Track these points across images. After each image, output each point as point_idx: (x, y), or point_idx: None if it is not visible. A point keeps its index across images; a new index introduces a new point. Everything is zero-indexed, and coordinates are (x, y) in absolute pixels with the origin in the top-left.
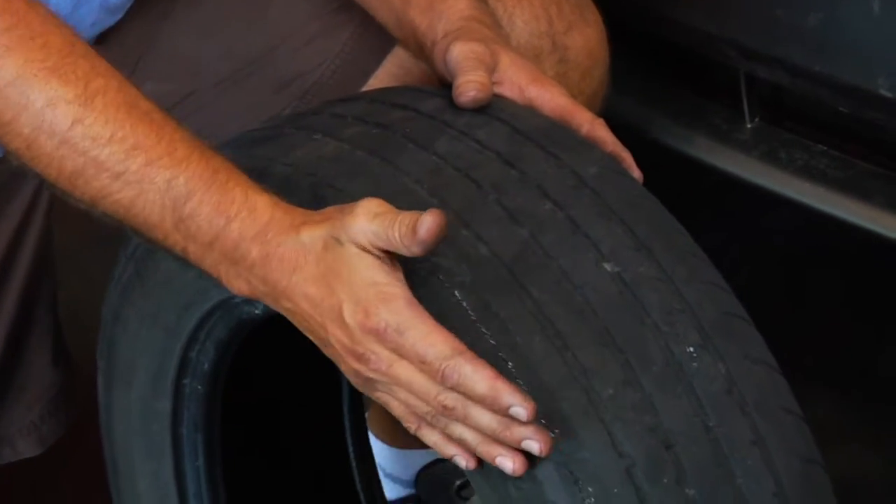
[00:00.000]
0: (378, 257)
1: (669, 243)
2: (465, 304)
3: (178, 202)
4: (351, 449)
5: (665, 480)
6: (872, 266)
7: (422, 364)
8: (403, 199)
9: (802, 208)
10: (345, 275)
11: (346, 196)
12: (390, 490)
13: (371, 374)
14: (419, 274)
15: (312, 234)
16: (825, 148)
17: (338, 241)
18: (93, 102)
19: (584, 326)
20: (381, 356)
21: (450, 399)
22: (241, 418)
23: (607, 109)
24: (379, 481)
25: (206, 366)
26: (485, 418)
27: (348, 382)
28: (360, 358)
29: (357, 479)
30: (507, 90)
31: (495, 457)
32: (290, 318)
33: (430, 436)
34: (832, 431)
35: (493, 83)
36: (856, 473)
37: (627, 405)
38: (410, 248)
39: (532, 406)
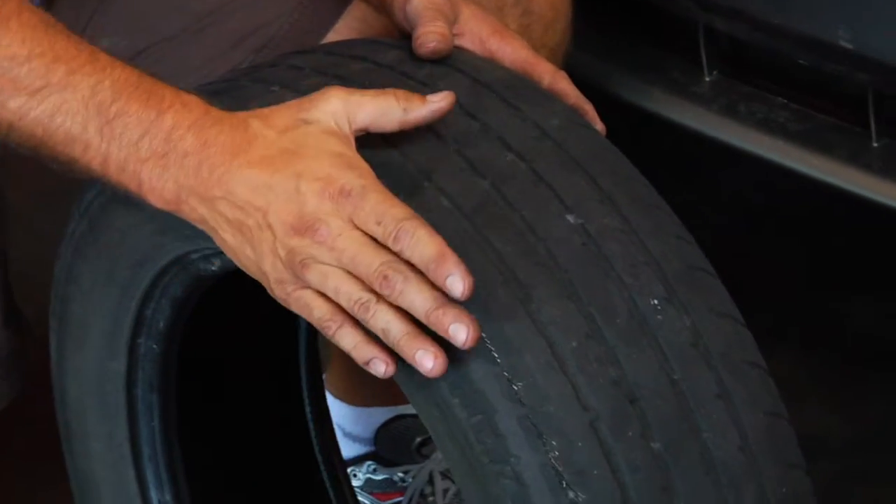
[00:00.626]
0: (346, 137)
1: (634, 196)
2: None
3: (103, 106)
4: (308, 410)
5: (630, 434)
6: (834, 220)
7: (376, 225)
8: (362, 152)
9: (762, 162)
10: (307, 151)
11: None
12: (349, 449)
13: (310, 251)
14: None
15: (263, 121)
16: (785, 101)
17: (305, 121)
18: (7, 24)
19: (548, 279)
20: (332, 225)
21: (392, 268)
22: (197, 379)
23: (564, 64)
24: (336, 442)
25: (161, 324)
26: (421, 294)
27: (307, 342)
28: (307, 230)
29: (314, 440)
30: (467, 42)
31: (416, 352)
32: (213, 220)
33: (349, 337)
34: (794, 390)
35: (454, 35)
36: (817, 432)
37: (591, 358)
38: (412, 113)
39: (470, 282)
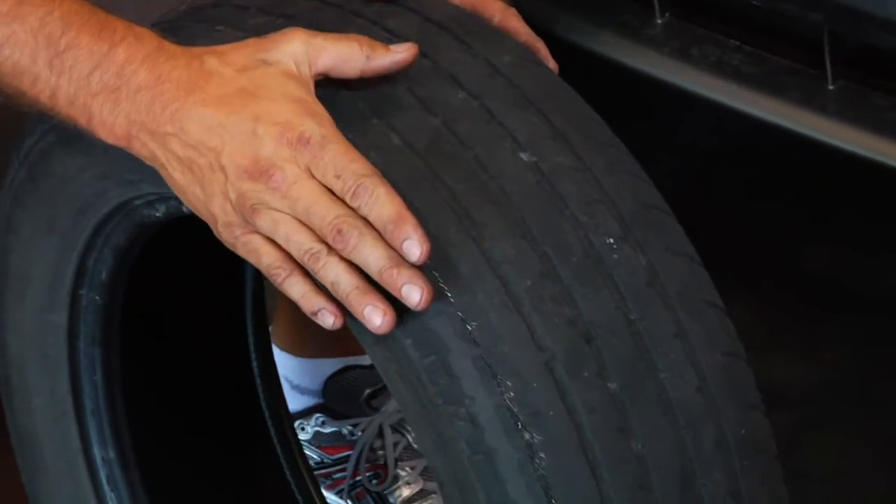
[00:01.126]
0: (306, 81)
1: (587, 133)
2: None
3: (52, 37)
4: (254, 362)
5: (586, 374)
6: (790, 164)
7: (335, 178)
8: None
9: (716, 106)
10: (266, 93)
11: None
12: (297, 402)
13: (263, 196)
14: None
15: (220, 58)
16: (738, 43)
17: (265, 62)
18: None
19: (501, 217)
20: (288, 172)
21: (347, 222)
22: (140, 331)
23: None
24: (282, 395)
25: (103, 275)
26: (376, 251)
27: (253, 293)
28: (261, 175)
29: (260, 393)
30: None
31: (365, 307)
32: (163, 157)
33: (297, 286)
34: (753, 339)
35: None
36: (777, 381)
37: (546, 297)
38: (374, 61)
39: (427, 248)
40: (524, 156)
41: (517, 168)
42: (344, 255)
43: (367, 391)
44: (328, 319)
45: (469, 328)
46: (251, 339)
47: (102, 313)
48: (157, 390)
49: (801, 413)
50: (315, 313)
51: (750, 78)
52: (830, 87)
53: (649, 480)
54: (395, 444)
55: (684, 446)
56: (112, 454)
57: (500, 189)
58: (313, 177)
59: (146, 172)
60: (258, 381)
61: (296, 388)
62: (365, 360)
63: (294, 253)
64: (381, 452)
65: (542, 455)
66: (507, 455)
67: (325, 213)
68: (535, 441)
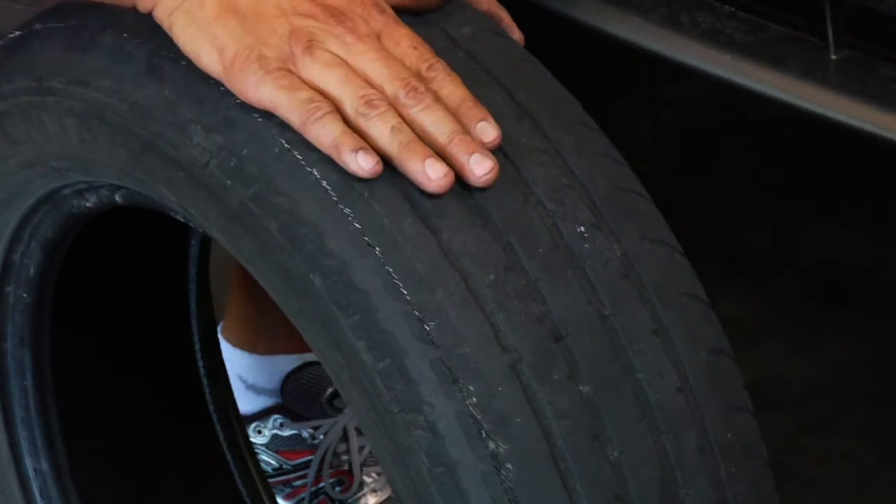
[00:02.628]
0: None
1: (555, 111)
2: (324, 183)
3: None
4: (200, 362)
5: (555, 376)
6: (788, 141)
7: (412, 48)
8: None
9: (708, 78)
10: None
11: (186, 67)
12: (252, 403)
13: (325, 36)
14: (272, 151)
15: None
16: (732, 9)
17: None
18: None
19: (459, 205)
20: (360, 25)
21: (421, 84)
22: (73, 332)
23: None
24: (232, 397)
25: (31, 270)
26: (448, 117)
27: (198, 288)
28: (332, 16)
29: (207, 395)
30: None
31: (428, 158)
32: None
33: (335, 124)
34: (748, 332)
35: None
36: (774, 379)
37: (511, 293)
38: None
39: (500, 133)
40: None
41: None
42: (412, 112)
43: (330, 390)
44: (368, 161)
45: (427, 328)
46: (196, 338)
47: (31, 312)
48: (93, 395)
49: (801, 413)
50: (356, 151)
51: (745, 47)
52: (833, 57)
53: (626, 491)
54: (361, 448)
55: (665, 452)
56: (45, 465)
57: None
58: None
59: (74, 160)
60: (204, 381)
61: (251, 387)
62: None
63: (349, 95)
64: (345, 457)
65: (509, 466)
66: (471, 466)
67: (398, 70)
68: (501, 451)
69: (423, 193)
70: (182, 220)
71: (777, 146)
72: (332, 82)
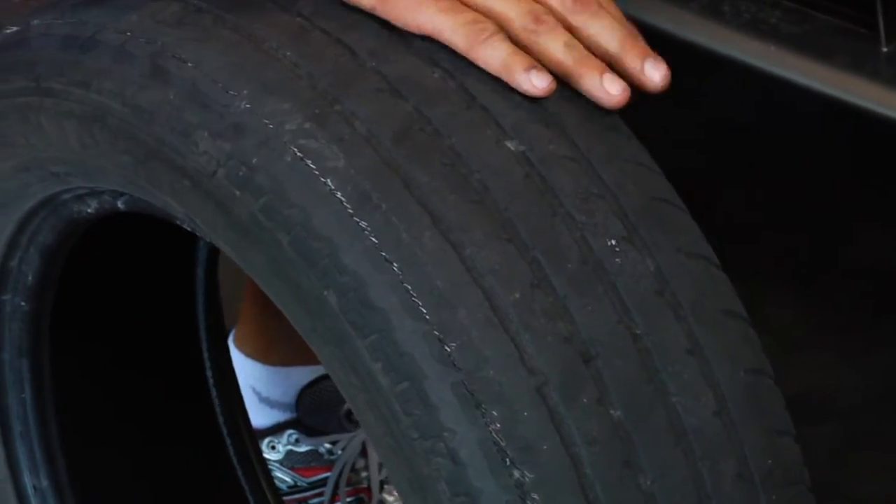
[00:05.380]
0: None
1: (583, 115)
2: (339, 194)
3: None
4: (209, 374)
5: (584, 400)
6: (835, 138)
7: None
8: (265, 69)
9: (750, 71)
10: None
11: (193, 68)
12: (266, 416)
13: None
14: (283, 159)
15: None
16: None
17: None
18: None
19: (484, 218)
20: None
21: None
22: (74, 341)
23: None
24: (244, 410)
25: (29, 278)
26: (616, 24)
27: (206, 295)
28: None
29: (217, 409)
30: None
31: (605, 72)
32: None
33: (503, 45)
34: (793, 338)
35: None
36: (820, 390)
37: (537, 311)
38: None
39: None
40: (510, 144)
41: (503, 159)
42: (581, 19)
43: (347, 404)
44: (542, 80)
45: (448, 350)
46: (204, 347)
47: (30, 321)
48: (95, 409)
49: (849, 426)
50: (528, 70)
51: (790, 39)
52: (884, 50)
53: None
54: (381, 465)
55: (701, 481)
56: (45, 482)
57: (482, 185)
58: None
59: (74, 165)
60: (214, 395)
61: (265, 400)
62: None
63: (515, 10)
64: (363, 474)
65: (535, 496)
66: (494, 496)
67: None
68: (527, 480)
69: (444, 205)
70: (188, 229)
71: (824, 143)
72: (498, 4)
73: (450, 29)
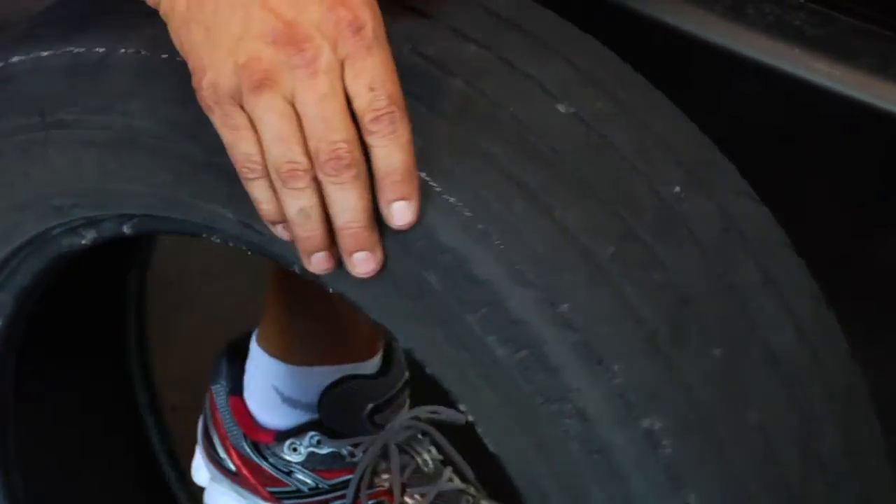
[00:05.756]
0: None
1: (617, 73)
2: (423, 174)
3: None
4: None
5: (692, 343)
6: (863, 143)
7: (368, 90)
8: None
9: (775, 74)
10: None
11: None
12: (287, 417)
13: (277, 71)
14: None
15: None
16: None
17: None
18: None
19: (561, 180)
20: (323, 55)
21: (353, 156)
22: (32, 373)
23: None
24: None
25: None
26: (360, 202)
27: (136, 331)
28: (293, 42)
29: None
30: None
31: (312, 255)
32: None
33: (265, 192)
34: None
35: None
36: None
37: (633, 263)
38: None
39: (415, 219)
40: (562, 107)
41: (560, 121)
42: (329, 182)
43: (371, 405)
44: (284, 235)
45: (561, 311)
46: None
47: None
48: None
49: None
50: (273, 225)
51: (815, 41)
52: None
53: (773, 450)
54: (404, 468)
55: (799, 406)
56: None
57: (550, 149)
58: (342, 77)
59: (85, 195)
60: (146, 417)
61: (287, 400)
62: (368, 368)
63: (273, 156)
64: (385, 477)
65: (665, 442)
66: (626, 448)
67: (337, 128)
68: (656, 428)
69: (525, 172)
70: (219, 240)
71: (849, 147)
72: (268, 135)
73: (228, 148)
